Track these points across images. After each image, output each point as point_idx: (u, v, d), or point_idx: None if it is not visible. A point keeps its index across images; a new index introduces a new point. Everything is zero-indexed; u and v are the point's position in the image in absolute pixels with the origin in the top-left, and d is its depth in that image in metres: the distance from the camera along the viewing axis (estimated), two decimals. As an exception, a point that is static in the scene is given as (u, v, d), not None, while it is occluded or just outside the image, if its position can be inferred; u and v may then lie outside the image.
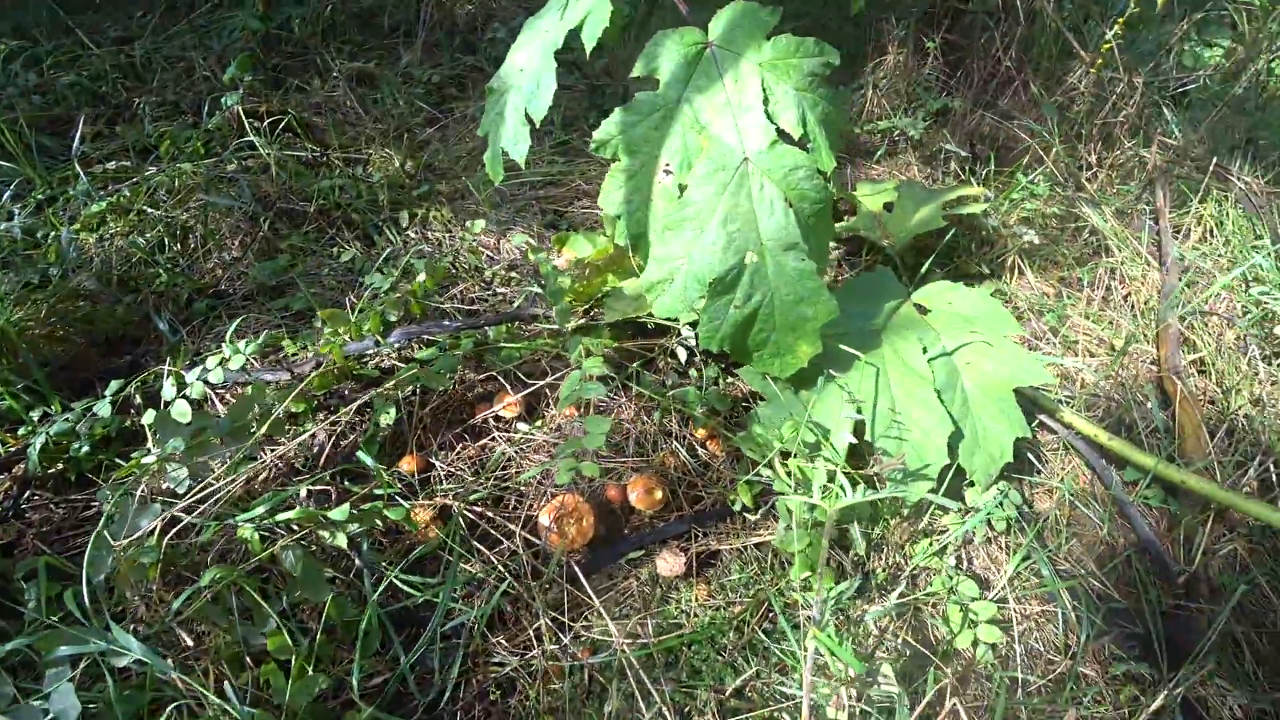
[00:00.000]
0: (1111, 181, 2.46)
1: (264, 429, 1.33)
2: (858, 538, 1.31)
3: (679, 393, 1.39)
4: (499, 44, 2.56)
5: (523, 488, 1.38)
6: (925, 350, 1.40)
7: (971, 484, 1.43)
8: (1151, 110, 2.52)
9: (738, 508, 1.32)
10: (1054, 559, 1.53)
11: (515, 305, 1.67)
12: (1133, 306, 2.08)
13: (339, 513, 1.21)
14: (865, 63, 2.61)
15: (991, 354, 1.43)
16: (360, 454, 1.28)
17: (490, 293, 1.77)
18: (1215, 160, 2.42)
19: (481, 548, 1.33)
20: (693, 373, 1.47)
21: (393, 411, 1.43)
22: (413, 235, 1.95)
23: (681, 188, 1.25)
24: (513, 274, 1.81)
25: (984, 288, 2.05)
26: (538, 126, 1.43)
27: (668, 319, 1.39)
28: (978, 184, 2.26)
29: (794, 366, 1.29)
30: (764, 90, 1.23)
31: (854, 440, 1.28)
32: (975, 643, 1.32)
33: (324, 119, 2.23)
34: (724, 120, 1.24)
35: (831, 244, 2.00)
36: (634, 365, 1.45)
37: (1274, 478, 1.72)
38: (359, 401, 1.47)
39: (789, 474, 1.20)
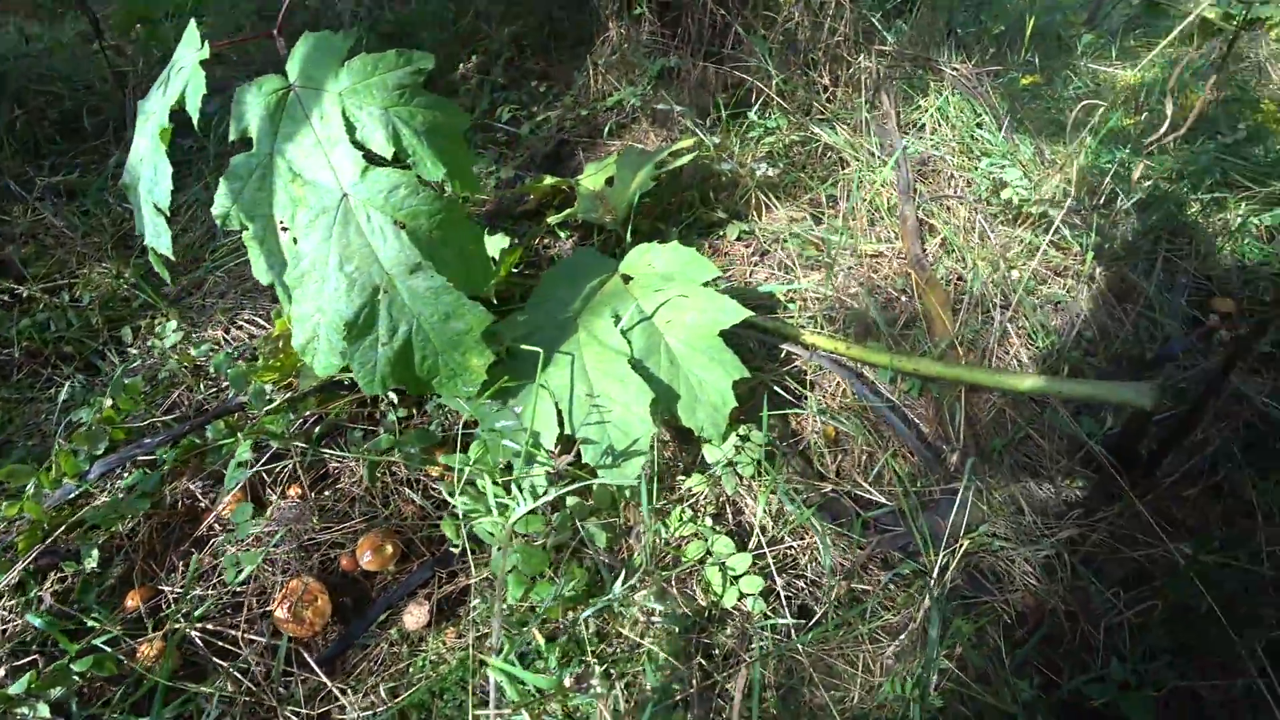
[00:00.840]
0: (850, 98, 2.53)
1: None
2: (595, 531, 1.28)
3: (373, 444, 1.33)
4: (211, 120, 2.43)
5: (241, 587, 1.30)
6: (618, 322, 1.39)
7: (708, 440, 1.43)
8: (867, 25, 2.60)
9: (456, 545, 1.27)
10: (820, 484, 1.54)
11: (231, 397, 1.58)
12: (877, 209, 2.14)
13: (19, 686, 1.11)
14: (593, 43, 2.60)
15: (690, 305, 1.43)
16: (29, 616, 1.17)
17: (216, 389, 1.67)
18: (927, 56, 2.52)
19: (220, 662, 1.25)
20: (391, 416, 1.42)
21: (95, 554, 1.33)
22: (135, 351, 1.82)
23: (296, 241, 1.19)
24: (240, 363, 1.71)
25: (729, 229, 2.07)
26: (170, 216, 1.35)
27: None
28: (712, 133, 2.28)
29: (475, 382, 1.25)
30: (345, 119, 1.18)
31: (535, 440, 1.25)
32: (742, 597, 1.32)
33: (15, 250, 2.07)
34: (317, 161, 1.19)
35: (564, 234, 1.99)
36: (319, 428, 1.39)
37: (1011, 330, 1.80)
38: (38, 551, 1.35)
39: (482, 495, 1.16)
